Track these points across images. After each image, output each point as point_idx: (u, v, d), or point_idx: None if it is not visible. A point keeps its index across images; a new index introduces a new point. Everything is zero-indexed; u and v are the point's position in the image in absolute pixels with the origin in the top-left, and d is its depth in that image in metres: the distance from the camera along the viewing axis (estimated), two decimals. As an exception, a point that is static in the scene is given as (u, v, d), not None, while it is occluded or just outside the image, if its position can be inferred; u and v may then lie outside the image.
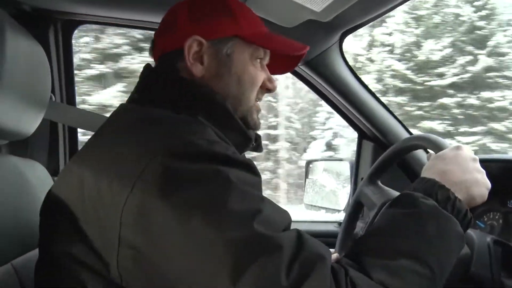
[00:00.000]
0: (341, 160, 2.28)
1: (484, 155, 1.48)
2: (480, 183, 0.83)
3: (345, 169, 2.08)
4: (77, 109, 1.54)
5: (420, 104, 8.93)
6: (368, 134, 1.87)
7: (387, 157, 1.21)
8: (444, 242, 0.72)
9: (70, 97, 1.61)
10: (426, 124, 8.44)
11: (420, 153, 1.75)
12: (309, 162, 2.33)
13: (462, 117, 8.58)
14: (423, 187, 0.79)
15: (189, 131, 0.73)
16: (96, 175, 0.70)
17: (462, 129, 8.41)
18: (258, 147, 0.98)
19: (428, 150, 1.03)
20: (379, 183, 1.25)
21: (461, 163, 0.84)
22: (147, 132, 0.73)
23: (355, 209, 1.32)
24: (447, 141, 0.97)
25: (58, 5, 1.43)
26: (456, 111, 8.58)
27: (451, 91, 9.03)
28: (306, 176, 2.27)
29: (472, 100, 9.31)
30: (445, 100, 8.92)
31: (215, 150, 0.70)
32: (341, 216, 2.03)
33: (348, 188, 2.04)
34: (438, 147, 0.96)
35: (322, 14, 1.29)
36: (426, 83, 9.35)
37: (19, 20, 0.96)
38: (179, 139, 0.70)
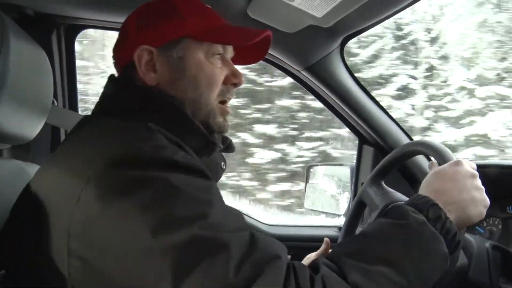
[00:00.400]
0: (341, 165, 2.28)
1: (483, 161, 1.49)
2: (478, 202, 0.82)
3: (346, 173, 2.08)
4: (79, 115, 1.54)
5: (259, 106, 8.04)
6: (368, 139, 1.88)
7: (391, 159, 1.20)
8: (427, 258, 0.72)
9: (72, 102, 1.62)
10: (260, 128, 7.57)
11: (420, 158, 1.75)
12: (309, 167, 2.33)
13: (307, 121, 7.83)
14: (416, 203, 0.78)
15: (133, 138, 0.72)
16: (50, 188, 0.72)
17: (307, 134, 7.68)
18: (228, 148, 0.97)
19: (431, 158, 1.03)
20: (383, 184, 1.24)
21: (459, 181, 0.83)
22: (92, 145, 0.73)
23: (357, 209, 1.31)
24: (451, 153, 0.96)
25: (61, 10, 1.43)
26: (302, 114, 7.81)
27: (296, 93, 8.10)
28: (307, 180, 2.27)
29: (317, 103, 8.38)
30: (285, 103, 8.09)
31: (159, 156, 0.68)
32: (341, 221, 2.03)
33: (348, 193, 2.05)
34: (441, 157, 0.96)
35: (324, 20, 1.30)
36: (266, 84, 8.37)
37: (21, 24, 0.96)
38: (122, 147, 0.69)
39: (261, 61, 1.68)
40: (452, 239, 0.76)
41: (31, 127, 1.00)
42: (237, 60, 0.94)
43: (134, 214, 0.63)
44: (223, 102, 0.90)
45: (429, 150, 1.01)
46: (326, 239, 1.24)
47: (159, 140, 0.72)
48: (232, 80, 0.90)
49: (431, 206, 0.77)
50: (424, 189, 0.84)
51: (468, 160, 0.89)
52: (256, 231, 0.68)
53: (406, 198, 1.16)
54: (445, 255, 0.73)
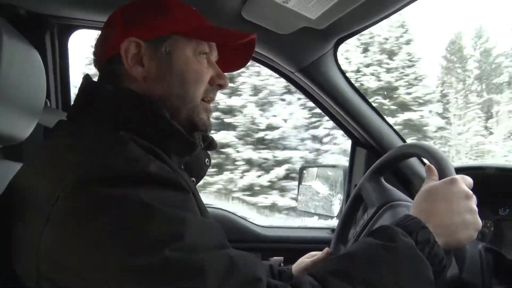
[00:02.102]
0: (334, 166, 2.29)
1: (476, 162, 1.50)
2: (469, 225, 0.80)
3: (339, 175, 2.09)
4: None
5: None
6: (361, 141, 1.88)
7: (391, 157, 1.19)
8: (412, 283, 0.71)
9: (65, 102, 1.61)
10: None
11: (414, 160, 1.76)
12: (302, 168, 2.34)
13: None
14: (406, 224, 0.77)
15: (104, 152, 0.69)
16: (22, 198, 0.69)
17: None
18: (210, 146, 0.97)
19: (425, 161, 1.01)
20: (382, 180, 1.23)
21: (452, 202, 0.80)
22: (63, 159, 0.70)
23: (354, 203, 1.29)
24: (450, 165, 0.92)
25: (54, 10, 1.43)
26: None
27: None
28: (300, 182, 2.27)
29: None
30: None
31: (131, 170, 0.66)
32: (334, 223, 2.04)
33: (341, 195, 2.05)
34: (439, 168, 0.92)
35: (317, 22, 1.30)
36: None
37: (14, 24, 0.96)
38: (92, 163, 0.66)
39: (255, 63, 1.69)
40: (439, 264, 0.75)
41: (23, 128, 1.00)
42: (220, 66, 0.94)
43: (103, 236, 0.60)
44: (207, 101, 0.90)
45: (430, 157, 0.97)
46: (327, 249, 1.23)
47: (131, 152, 0.69)
48: (218, 81, 0.91)
49: (421, 229, 0.75)
50: (415, 208, 0.83)
51: (464, 176, 0.86)
52: (234, 250, 0.66)
53: (404, 197, 1.16)
54: (430, 281, 0.72)
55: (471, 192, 0.82)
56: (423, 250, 0.73)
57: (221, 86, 0.92)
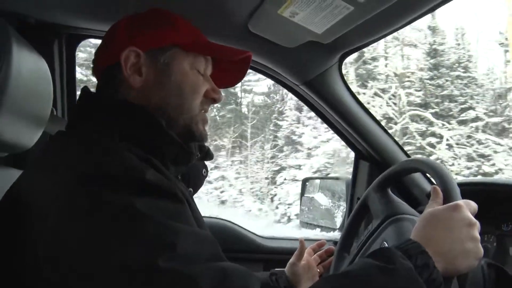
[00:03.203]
0: (337, 178, 2.29)
1: (479, 178, 1.50)
2: (470, 254, 0.79)
3: (341, 187, 2.09)
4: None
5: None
6: (365, 154, 1.89)
7: (399, 169, 1.18)
8: None
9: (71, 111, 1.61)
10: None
11: (417, 175, 1.76)
12: (305, 180, 2.34)
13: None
14: (406, 248, 0.76)
15: (102, 160, 0.69)
16: (24, 201, 0.70)
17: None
18: (206, 156, 0.97)
19: (432, 181, 0.99)
20: (389, 191, 1.22)
21: (454, 229, 0.79)
22: (59, 165, 0.71)
23: (360, 211, 1.28)
24: (456, 186, 0.91)
25: (62, 19, 1.44)
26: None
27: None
28: (302, 194, 2.27)
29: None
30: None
31: (127, 177, 0.67)
32: (336, 235, 2.03)
33: (343, 207, 2.05)
34: (445, 189, 0.91)
35: (323, 36, 1.31)
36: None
37: (23, 33, 0.97)
38: (90, 166, 0.67)
39: (261, 75, 1.70)
40: None
41: (29, 136, 1.00)
42: (216, 82, 0.96)
43: (97, 242, 0.61)
44: (203, 112, 0.93)
45: (436, 177, 0.96)
46: (301, 239, 1.29)
47: (128, 160, 0.70)
48: (212, 95, 0.93)
49: (420, 253, 0.75)
50: (417, 233, 0.82)
51: (469, 202, 0.85)
52: (227, 262, 0.66)
53: (409, 210, 1.15)
54: None
55: (474, 220, 0.81)
56: (421, 275, 0.72)
57: (214, 101, 0.94)
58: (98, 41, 1.57)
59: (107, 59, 0.88)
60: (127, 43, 0.86)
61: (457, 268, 0.78)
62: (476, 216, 0.83)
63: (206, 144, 0.97)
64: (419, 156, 1.43)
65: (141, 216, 0.63)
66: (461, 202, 0.83)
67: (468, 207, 0.83)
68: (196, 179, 0.97)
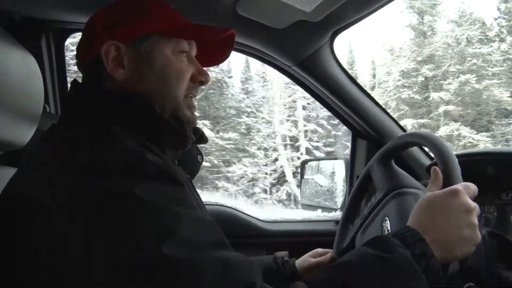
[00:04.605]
0: (336, 159, 2.29)
1: (478, 148, 1.50)
2: (467, 241, 0.78)
3: (340, 167, 2.09)
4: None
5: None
6: (362, 133, 1.88)
7: (400, 142, 1.17)
8: None
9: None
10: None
11: (415, 149, 1.76)
12: (304, 162, 2.34)
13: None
14: (404, 235, 0.76)
15: (97, 147, 0.69)
16: (20, 198, 0.69)
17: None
18: (201, 139, 0.97)
19: (431, 155, 0.97)
20: (392, 163, 1.21)
21: (451, 216, 0.79)
22: (55, 159, 0.70)
23: (364, 182, 1.28)
24: (457, 167, 0.89)
25: (49, 14, 1.43)
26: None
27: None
28: (302, 176, 2.28)
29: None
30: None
31: (125, 163, 0.66)
32: (337, 215, 2.04)
33: (343, 187, 2.06)
34: (444, 167, 0.90)
35: (313, 14, 1.30)
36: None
37: (9, 30, 0.96)
38: (85, 159, 0.67)
39: (251, 58, 1.69)
40: (434, 276, 0.74)
41: (22, 133, 1.00)
42: (202, 61, 0.95)
43: (100, 234, 0.60)
44: (189, 98, 0.91)
45: (437, 156, 0.94)
46: (330, 254, 1.26)
47: (125, 144, 0.70)
48: (199, 78, 0.91)
49: (418, 241, 0.74)
50: (414, 218, 0.81)
51: (468, 185, 0.84)
52: (230, 251, 0.66)
53: (412, 183, 1.14)
54: None
55: (472, 205, 0.80)
56: (419, 263, 0.72)
57: (202, 83, 0.93)
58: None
59: (88, 53, 0.87)
60: (106, 36, 0.84)
61: (455, 255, 0.78)
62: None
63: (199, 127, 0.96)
64: (421, 130, 1.38)
65: (142, 203, 0.62)
66: (460, 186, 0.82)
67: (467, 190, 0.82)
68: (192, 165, 0.97)
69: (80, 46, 0.90)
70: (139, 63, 0.85)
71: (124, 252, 0.59)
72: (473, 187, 0.84)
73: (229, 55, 1.02)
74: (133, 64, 0.85)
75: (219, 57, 1.02)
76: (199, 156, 0.99)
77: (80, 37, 0.90)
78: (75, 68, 0.92)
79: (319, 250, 1.31)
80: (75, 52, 0.89)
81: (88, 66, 0.87)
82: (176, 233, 0.61)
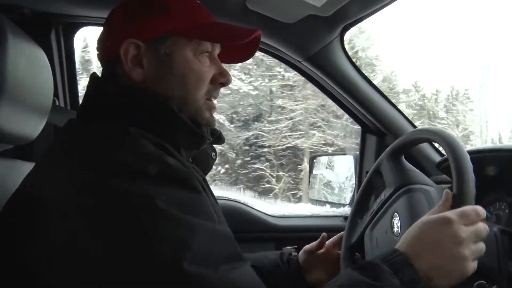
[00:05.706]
0: (345, 154, 2.28)
1: (490, 144, 1.48)
2: (452, 274, 0.75)
3: (349, 163, 2.09)
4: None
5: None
6: (371, 128, 1.88)
7: (412, 138, 1.15)
8: None
9: (73, 100, 1.62)
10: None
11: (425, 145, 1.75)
12: (313, 157, 2.34)
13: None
14: (394, 260, 0.74)
15: (115, 149, 0.69)
16: (36, 197, 0.69)
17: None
18: (218, 140, 0.95)
19: (442, 152, 0.95)
20: (403, 159, 1.19)
21: (440, 246, 0.75)
22: (72, 160, 0.70)
23: (373, 179, 1.26)
24: (471, 184, 0.86)
25: (58, 8, 1.43)
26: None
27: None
28: (311, 171, 2.27)
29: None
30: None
31: (143, 166, 0.66)
32: (346, 211, 2.03)
33: (352, 182, 2.05)
34: (458, 182, 0.86)
35: (323, 9, 1.29)
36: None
37: (19, 24, 0.96)
38: (102, 160, 0.67)
39: (262, 53, 1.69)
40: None
41: (32, 127, 1.00)
42: (224, 58, 0.93)
43: (116, 235, 0.61)
44: (209, 99, 0.89)
45: (451, 157, 0.90)
46: (323, 234, 1.26)
47: (143, 147, 0.70)
48: (220, 80, 0.89)
49: (406, 267, 0.73)
50: (405, 242, 0.78)
51: (467, 212, 0.78)
52: (243, 266, 0.66)
53: (422, 179, 1.13)
54: None
55: (463, 237, 0.75)
56: None
57: (223, 84, 0.90)
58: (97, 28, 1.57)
59: (107, 50, 0.86)
60: (125, 34, 0.82)
61: (440, 284, 0.74)
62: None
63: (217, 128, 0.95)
64: (433, 126, 1.36)
65: (160, 213, 0.62)
66: (454, 216, 0.77)
67: (464, 220, 0.78)
68: (206, 162, 0.96)
69: (101, 40, 0.88)
70: (158, 64, 0.83)
71: (134, 262, 0.60)
72: (476, 212, 0.79)
73: (252, 55, 0.99)
74: (152, 64, 0.83)
75: (242, 55, 0.99)
76: (213, 153, 0.98)
77: (95, 30, 0.88)
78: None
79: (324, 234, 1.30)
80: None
81: (106, 63, 0.87)
82: (188, 246, 0.61)
